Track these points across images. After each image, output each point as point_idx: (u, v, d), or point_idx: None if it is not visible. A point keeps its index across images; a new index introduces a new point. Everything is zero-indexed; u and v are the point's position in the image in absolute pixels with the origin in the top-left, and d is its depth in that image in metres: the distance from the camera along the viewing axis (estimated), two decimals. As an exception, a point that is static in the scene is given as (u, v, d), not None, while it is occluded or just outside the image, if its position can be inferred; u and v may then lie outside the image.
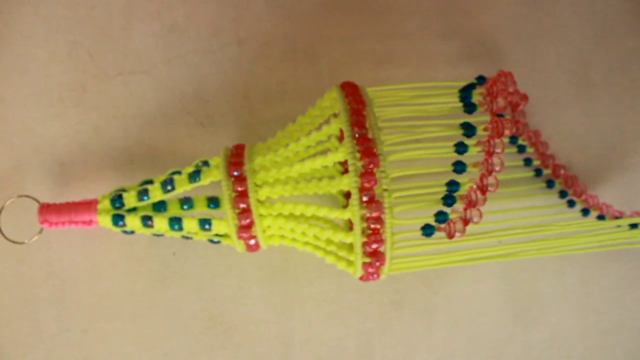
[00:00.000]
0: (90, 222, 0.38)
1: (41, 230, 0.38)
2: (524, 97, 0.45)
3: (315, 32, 0.46)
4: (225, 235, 0.38)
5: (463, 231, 0.35)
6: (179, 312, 0.42)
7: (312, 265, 0.44)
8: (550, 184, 0.48)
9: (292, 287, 0.44)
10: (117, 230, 0.38)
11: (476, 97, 0.37)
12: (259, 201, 0.36)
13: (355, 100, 0.35)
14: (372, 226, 0.34)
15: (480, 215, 0.34)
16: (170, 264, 0.42)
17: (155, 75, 0.43)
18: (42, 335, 0.40)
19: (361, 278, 0.37)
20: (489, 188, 0.34)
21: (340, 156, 0.34)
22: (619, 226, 0.46)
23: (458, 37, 0.49)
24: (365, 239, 0.34)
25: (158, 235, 0.39)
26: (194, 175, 0.37)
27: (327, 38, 0.46)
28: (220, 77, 0.44)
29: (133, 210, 0.38)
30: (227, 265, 0.43)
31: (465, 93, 0.37)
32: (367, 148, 0.33)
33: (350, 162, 0.33)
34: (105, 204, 0.37)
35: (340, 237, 0.35)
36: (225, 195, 0.36)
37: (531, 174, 0.48)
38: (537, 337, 0.47)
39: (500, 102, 0.36)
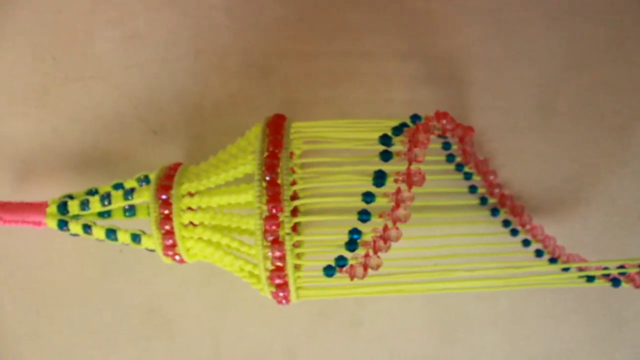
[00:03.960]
0: (39, 224, 0.41)
1: (-3, 226, 0.43)
2: (469, 130, 0.45)
3: (272, 46, 0.47)
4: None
5: (363, 275, 0.37)
6: (121, 302, 0.46)
7: (249, 271, 0.47)
8: (494, 212, 0.49)
9: (228, 289, 0.47)
10: (64, 232, 0.41)
11: (398, 143, 0.38)
12: (182, 224, 0.39)
13: (273, 141, 0.37)
14: (277, 264, 0.36)
15: (380, 264, 0.36)
16: (117, 259, 0.46)
17: (113, 82, 0.46)
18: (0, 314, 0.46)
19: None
20: (391, 239, 0.36)
21: (249, 197, 0.36)
22: (553, 261, 0.47)
23: (419, 59, 0.48)
24: (269, 274, 0.37)
25: (101, 240, 0.42)
26: (128, 194, 0.40)
27: (283, 53, 0.47)
28: (175, 86, 0.46)
29: (78, 216, 0.42)
30: (170, 265, 0.46)
31: (385, 140, 0.38)
32: (274, 193, 0.35)
33: (255, 205, 0.35)
34: (53, 208, 0.41)
35: (250, 268, 0.38)
36: (152, 218, 0.39)
37: (476, 201, 0.49)
38: (462, 356, 0.49)
39: (418, 153, 0.37)
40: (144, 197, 0.39)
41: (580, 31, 0.50)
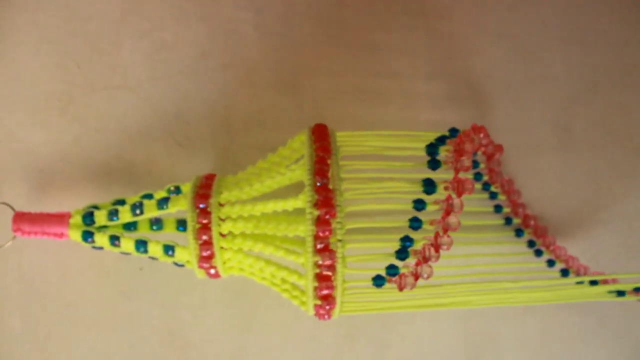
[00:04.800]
0: (61, 235, 0.39)
1: (14, 237, 0.40)
2: (499, 148, 0.46)
3: (301, 63, 0.47)
4: (188, 261, 0.39)
5: (413, 285, 0.36)
6: (140, 325, 0.43)
7: (273, 291, 0.45)
8: (519, 232, 0.49)
9: (252, 310, 0.45)
10: (87, 245, 0.39)
11: (443, 152, 0.38)
12: (221, 234, 0.37)
13: (321, 147, 0.36)
14: (325, 273, 0.35)
15: (431, 273, 0.35)
16: (136, 277, 0.44)
17: (139, 93, 0.44)
18: (6, 335, 0.42)
19: (315, 315, 0.38)
20: (443, 247, 0.35)
21: (299, 203, 0.35)
22: (580, 282, 0.46)
23: (444, 80, 0.49)
24: (316, 284, 0.35)
25: (126, 254, 0.40)
26: (162, 203, 0.38)
27: (312, 70, 0.47)
28: (202, 99, 0.45)
29: (103, 227, 0.39)
30: (192, 284, 0.44)
31: (431, 149, 0.37)
32: (325, 198, 0.34)
33: (307, 210, 0.34)
34: (77, 219, 0.39)
35: (294, 279, 0.36)
36: (190, 227, 0.37)
37: (501, 221, 0.49)
38: (488, 380, 0.48)
39: (465, 162, 0.37)
40: (180, 205, 0.38)
41: (593, 58, 0.52)
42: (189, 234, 0.37)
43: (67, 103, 0.44)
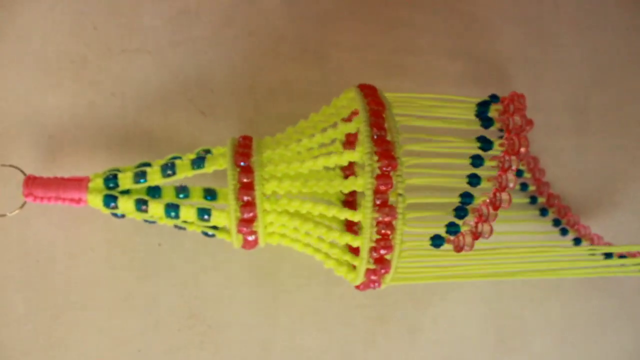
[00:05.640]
0: (79, 201, 0.35)
1: (24, 204, 0.36)
2: (529, 122, 0.45)
3: (326, 36, 0.45)
4: (221, 229, 0.36)
5: (472, 245, 0.34)
6: (157, 306, 0.40)
7: (301, 272, 0.42)
8: (543, 212, 0.48)
9: (279, 292, 0.42)
10: (107, 211, 0.35)
11: (492, 113, 0.37)
12: (264, 195, 0.34)
13: (374, 101, 0.34)
14: (383, 231, 0.33)
15: (491, 231, 0.34)
16: (154, 254, 0.40)
17: (159, 57, 0.42)
18: (7, 317, 0.37)
19: (359, 286, 0.36)
20: (502, 204, 0.34)
21: (356, 156, 0.33)
22: (609, 256, 0.46)
23: (466, 58, 0.49)
24: (373, 244, 0.33)
25: (149, 222, 0.36)
26: (198, 162, 0.35)
27: (337, 43, 0.46)
28: (227, 67, 0.43)
29: (126, 192, 0.36)
30: (215, 262, 0.41)
31: (482, 108, 0.36)
32: (385, 150, 0.32)
33: (367, 162, 0.32)
34: (98, 182, 0.35)
35: (347, 240, 0.34)
36: (230, 186, 0.34)
37: (526, 200, 0.48)
38: (517, 365, 0.47)
39: (517, 119, 0.36)
40: (218, 165, 0.35)
41: (606, 45, 0.53)
42: (230, 194, 0.34)
43: (82, 65, 0.40)
